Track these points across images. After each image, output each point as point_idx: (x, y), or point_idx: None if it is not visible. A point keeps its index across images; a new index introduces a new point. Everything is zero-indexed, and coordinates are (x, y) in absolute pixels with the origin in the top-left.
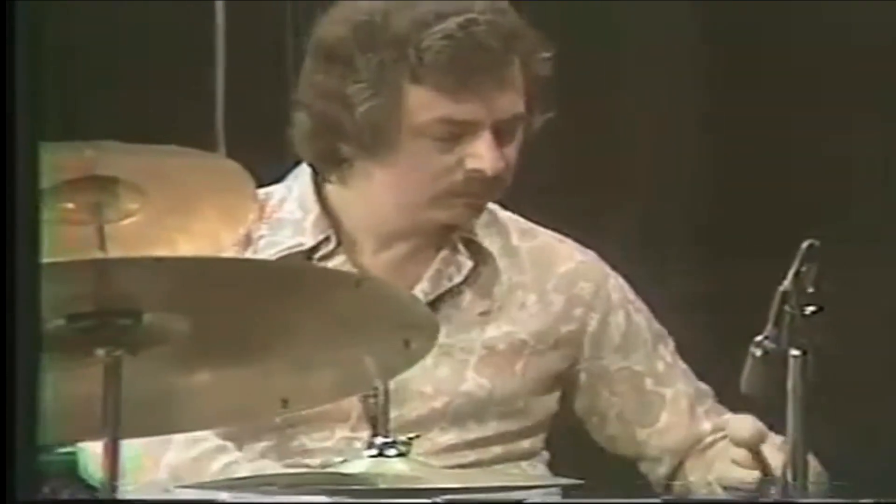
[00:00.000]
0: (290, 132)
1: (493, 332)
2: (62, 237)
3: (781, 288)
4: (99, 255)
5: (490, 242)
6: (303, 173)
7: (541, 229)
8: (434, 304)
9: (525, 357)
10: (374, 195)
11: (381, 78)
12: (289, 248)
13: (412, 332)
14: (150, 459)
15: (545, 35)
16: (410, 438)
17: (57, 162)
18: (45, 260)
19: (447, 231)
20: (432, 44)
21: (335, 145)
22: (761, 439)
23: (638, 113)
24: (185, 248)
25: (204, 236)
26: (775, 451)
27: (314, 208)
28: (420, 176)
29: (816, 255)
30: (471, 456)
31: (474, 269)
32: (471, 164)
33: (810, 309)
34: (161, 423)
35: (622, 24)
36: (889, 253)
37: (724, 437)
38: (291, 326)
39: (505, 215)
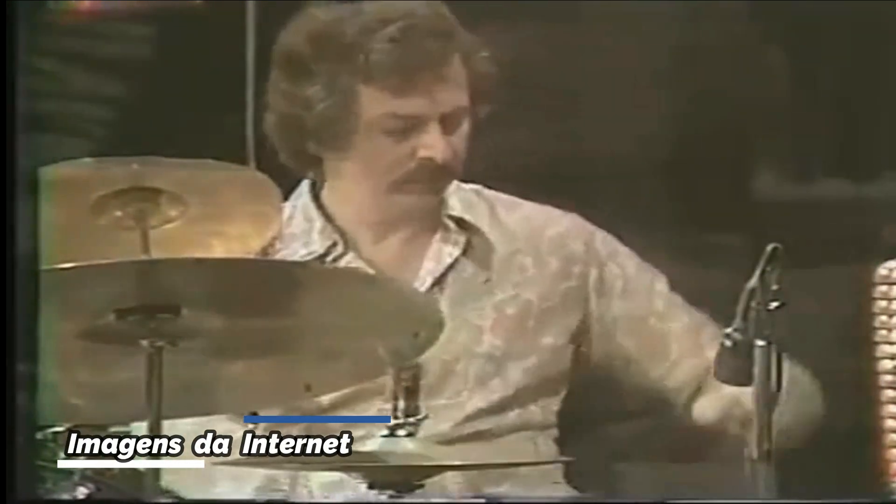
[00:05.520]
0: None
1: (500, 295)
2: (111, 241)
3: (748, 286)
4: (143, 256)
5: (478, 217)
6: (303, 191)
7: (522, 201)
8: (441, 279)
9: (534, 316)
10: (347, 187)
11: (334, 80)
12: (302, 257)
13: (420, 324)
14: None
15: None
16: (420, 419)
17: (107, 175)
18: (96, 261)
19: (427, 216)
20: (378, 47)
21: (302, 144)
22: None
23: (608, 116)
24: (220, 250)
25: (236, 240)
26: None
27: (318, 219)
28: (378, 165)
29: (780, 258)
30: (489, 423)
31: (468, 243)
32: (422, 153)
33: (774, 304)
34: (200, 406)
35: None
36: (850, 256)
37: None
38: (313, 320)
39: (488, 193)
